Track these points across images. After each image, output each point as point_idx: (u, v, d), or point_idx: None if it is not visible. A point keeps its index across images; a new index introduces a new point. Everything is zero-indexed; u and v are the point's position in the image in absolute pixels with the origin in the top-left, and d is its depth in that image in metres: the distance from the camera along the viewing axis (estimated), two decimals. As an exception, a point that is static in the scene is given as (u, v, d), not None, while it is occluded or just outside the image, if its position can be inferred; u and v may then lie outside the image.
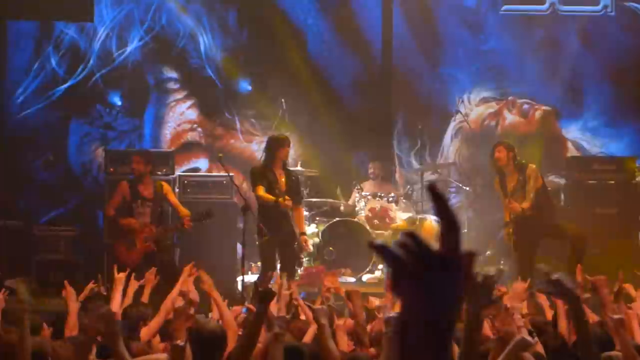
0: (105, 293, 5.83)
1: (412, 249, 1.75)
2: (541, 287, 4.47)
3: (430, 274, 1.76)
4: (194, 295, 6.95)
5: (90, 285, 7.70)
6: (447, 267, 1.77)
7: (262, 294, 5.36)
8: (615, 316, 5.85)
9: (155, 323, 6.68)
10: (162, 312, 6.87)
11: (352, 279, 12.18)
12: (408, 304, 1.77)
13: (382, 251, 1.77)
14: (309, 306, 6.33)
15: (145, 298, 7.88)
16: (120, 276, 7.48)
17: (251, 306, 7.60)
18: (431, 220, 11.59)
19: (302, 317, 8.09)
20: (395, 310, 6.89)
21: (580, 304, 4.58)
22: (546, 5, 14.60)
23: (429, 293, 1.76)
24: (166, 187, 11.40)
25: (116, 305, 7.00)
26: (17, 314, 5.65)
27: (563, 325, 6.83)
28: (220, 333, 5.59)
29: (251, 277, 12.41)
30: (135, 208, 11.15)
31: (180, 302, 6.21)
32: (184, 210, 11.18)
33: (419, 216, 12.21)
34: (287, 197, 10.70)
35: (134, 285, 7.75)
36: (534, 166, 11.20)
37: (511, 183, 11.19)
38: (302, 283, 11.79)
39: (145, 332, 6.55)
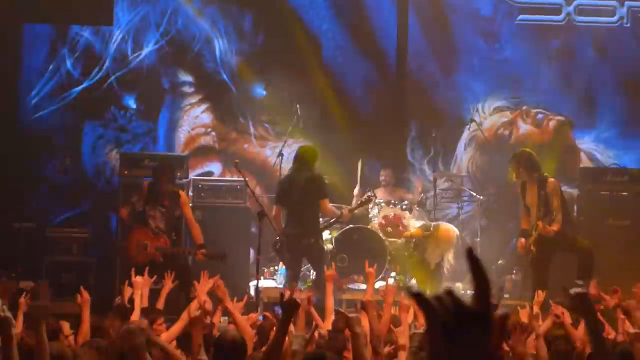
0: (128, 305, 5.83)
1: (447, 303, 1.86)
2: (561, 301, 4.46)
3: (461, 328, 1.86)
4: (209, 304, 6.98)
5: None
6: (478, 322, 1.86)
7: (287, 304, 5.37)
8: (632, 330, 5.86)
9: (175, 329, 6.69)
10: (182, 319, 6.88)
11: (364, 286, 12.16)
12: (436, 354, 1.87)
13: (418, 299, 1.87)
14: (341, 312, 6.34)
15: (160, 304, 7.89)
16: (139, 279, 7.49)
17: (268, 314, 7.63)
18: (446, 226, 11.57)
19: (313, 323, 8.12)
20: (416, 321, 6.91)
21: (598, 321, 4.58)
22: (562, 16, 14.61)
23: (457, 346, 1.85)
24: (184, 197, 11.23)
25: (137, 310, 7.01)
26: (36, 318, 5.66)
27: (580, 336, 6.83)
28: (241, 341, 5.63)
29: (264, 283, 12.46)
30: (148, 210, 11.08)
31: (196, 311, 6.23)
32: (197, 231, 11.03)
33: (432, 223, 12.20)
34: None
35: (148, 283, 7.75)
36: (553, 180, 11.13)
37: (531, 195, 11.14)
38: (314, 289, 11.81)
39: (164, 338, 6.56)
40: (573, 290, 4.34)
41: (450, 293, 1.87)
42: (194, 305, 7.02)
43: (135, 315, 6.91)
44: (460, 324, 1.85)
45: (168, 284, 8.01)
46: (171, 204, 11.04)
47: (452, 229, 11.36)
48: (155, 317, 7.39)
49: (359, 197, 12.77)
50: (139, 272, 7.87)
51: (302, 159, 11.15)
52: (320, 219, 11.56)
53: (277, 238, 11.31)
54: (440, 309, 1.86)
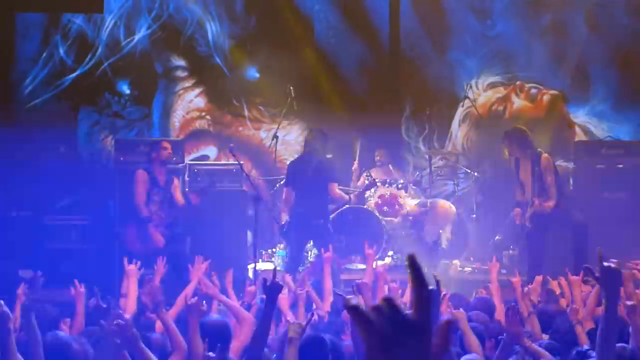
0: (104, 305, 5.87)
1: (385, 314, 1.85)
2: (589, 270, 4.40)
3: (400, 339, 1.85)
4: (207, 287, 7.04)
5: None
6: (417, 333, 1.86)
7: (269, 288, 5.45)
8: (629, 303, 5.89)
9: (172, 312, 6.74)
10: (178, 305, 6.93)
11: (363, 266, 12.21)
12: None
13: (355, 311, 1.86)
14: (339, 295, 6.40)
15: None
16: (132, 268, 7.53)
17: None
18: (443, 203, 11.60)
19: (314, 305, 8.18)
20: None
21: (619, 299, 4.54)
22: (553, -10, 14.61)
23: (396, 357, 1.85)
24: (176, 181, 11.36)
25: (132, 298, 7.05)
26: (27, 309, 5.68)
27: (581, 311, 6.86)
28: (224, 327, 5.76)
29: (262, 265, 12.50)
30: (152, 196, 11.10)
31: (191, 298, 6.29)
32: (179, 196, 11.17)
33: (429, 200, 12.22)
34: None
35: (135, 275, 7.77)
36: (546, 155, 11.15)
37: (524, 171, 11.17)
38: (312, 271, 11.86)
39: (159, 326, 6.61)
40: (607, 263, 4.27)
41: (389, 302, 1.85)
42: (188, 290, 7.07)
43: (131, 304, 6.95)
44: (399, 335, 1.84)
45: (161, 269, 8.04)
46: (167, 184, 11.17)
47: (450, 205, 11.38)
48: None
49: (356, 172, 12.89)
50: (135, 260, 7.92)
51: (311, 142, 11.23)
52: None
53: (284, 221, 11.38)
54: (378, 320, 1.84)
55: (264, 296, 6.17)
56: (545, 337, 6.90)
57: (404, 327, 1.85)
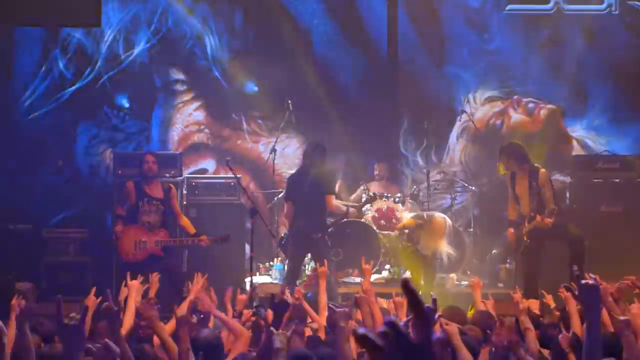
0: (116, 308, 5.89)
1: (391, 338, 1.92)
2: (569, 289, 4.46)
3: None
4: (204, 304, 7.07)
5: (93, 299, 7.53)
6: (422, 354, 1.95)
7: (278, 305, 5.47)
8: (622, 317, 5.92)
9: (169, 326, 6.76)
10: (174, 319, 6.95)
11: (359, 280, 12.24)
12: None
13: (365, 340, 1.93)
14: (330, 307, 6.40)
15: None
16: (135, 283, 7.53)
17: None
18: (438, 216, 11.62)
19: (309, 319, 8.20)
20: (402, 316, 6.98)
21: (599, 313, 4.57)
22: (551, 5, 14.66)
23: None
24: (173, 190, 11.47)
25: (131, 312, 7.06)
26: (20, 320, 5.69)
27: (577, 325, 6.88)
28: (215, 341, 5.79)
29: (259, 278, 12.54)
30: (141, 206, 11.18)
31: (184, 311, 6.33)
32: (185, 220, 11.26)
33: (425, 213, 12.24)
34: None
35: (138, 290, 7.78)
36: (544, 171, 11.19)
37: (521, 185, 11.21)
38: (309, 284, 11.89)
39: (155, 341, 6.63)
40: (585, 280, 4.32)
41: (393, 327, 1.92)
42: (182, 306, 7.10)
43: (129, 318, 6.97)
44: (406, 357, 1.92)
45: (155, 283, 8.05)
46: (165, 197, 11.23)
47: (444, 219, 11.40)
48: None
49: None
50: (135, 273, 7.95)
51: (311, 155, 11.28)
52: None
53: (283, 234, 11.41)
54: (386, 344, 1.91)
55: (259, 306, 6.22)
56: (546, 352, 6.91)
57: (408, 350, 1.93)
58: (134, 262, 10.79)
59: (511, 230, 11.29)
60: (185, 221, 11.32)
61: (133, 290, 7.41)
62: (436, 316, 4.95)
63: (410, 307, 1.96)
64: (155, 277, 8.09)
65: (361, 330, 1.96)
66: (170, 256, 11.18)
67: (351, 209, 11.82)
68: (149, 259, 10.95)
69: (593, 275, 4.45)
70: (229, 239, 11.04)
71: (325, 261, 9.34)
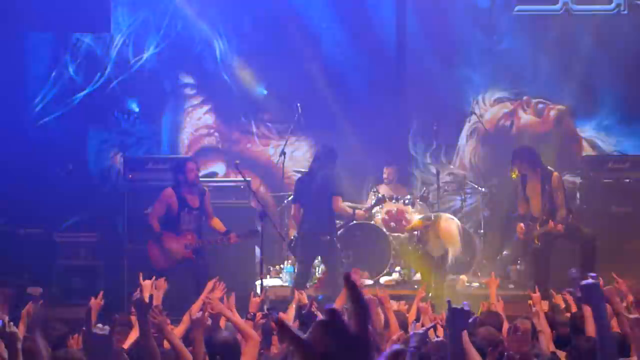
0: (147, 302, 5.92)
1: (329, 329, 1.94)
2: (572, 291, 4.49)
3: (341, 351, 1.94)
4: (214, 306, 7.09)
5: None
6: (359, 347, 1.96)
7: (306, 316, 5.48)
8: (632, 316, 5.92)
9: (180, 330, 6.80)
10: (185, 322, 6.99)
11: (370, 282, 12.27)
12: None
13: (285, 332, 1.95)
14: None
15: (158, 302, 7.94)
16: (147, 283, 7.55)
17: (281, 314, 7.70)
18: (446, 217, 11.62)
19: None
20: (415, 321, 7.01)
21: (605, 311, 4.59)
22: (559, 5, 14.65)
23: None
24: (208, 195, 11.44)
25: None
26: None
27: (591, 327, 6.88)
28: (233, 342, 5.80)
29: (270, 281, 12.56)
30: (183, 216, 11.16)
31: (197, 312, 6.35)
32: (216, 221, 11.26)
33: (433, 214, 12.25)
34: None
35: (163, 287, 7.81)
36: (557, 174, 11.22)
37: (532, 187, 11.22)
38: (319, 287, 11.92)
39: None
40: (584, 282, 4.34)
41: (334, 315, 1.94)
42: (195, 307, 7.13)
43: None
44: (341, 350, 1.93)
45: (161, 285, 8.04)
46: (201, 205, 11.25)
47: (453, 220, 11.38)
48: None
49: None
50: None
51: (320, 158, 11.32)
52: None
53: (292, 237, 11.44)
54: (321, 337, 1.93)
55: (270, 309, 6.24)
56: (562, 354, 6.92)
57: (346, 340, 1.94)
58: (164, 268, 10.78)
59: (521, 225, 11.29)
60: (216, 222, 11.33)
61: (146, 291, 7.44)
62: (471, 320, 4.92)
63: (349, 299, 2.00)
64: (161, 282, 8.09)
65: (282, 322, 1.98)
66: (198, 258, 11.20)
67: (357, 211, 11.81)
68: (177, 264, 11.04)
69: (592, 274, 4.47)
70: (257, 234, 11.10)
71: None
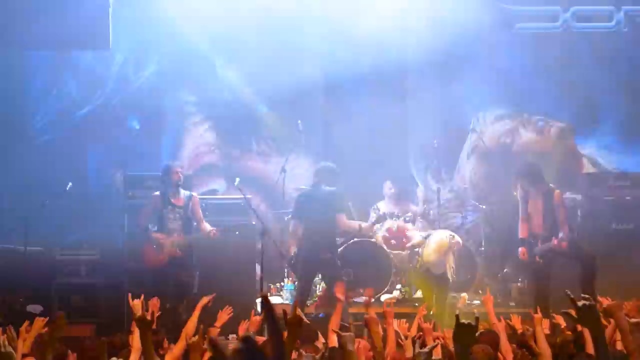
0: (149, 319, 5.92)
1: (244, 352, 1.97)
2: (567, 314, 4.46)
3: None
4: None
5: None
6: None
7: (290, 322, 5.44)
8: (634, 320, 5.89)
9: (177, 349, 6.77)
10: (182, 340, 6.95)
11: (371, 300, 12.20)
12: None
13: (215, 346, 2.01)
14: (336, 332, 6.38)
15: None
16: (137, 303, 7.53)
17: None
18: (439, 233, 11.58)
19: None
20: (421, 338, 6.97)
21: (603, 333, 4.57)
22: (559, 23, 14.67)
23: None
24: (196, 198, 11.70)
25: (137, 334, 7.05)
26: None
27: (590, 347, 6.85)
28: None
29: (270, 299, 12.50)
30: (167, 214, 11.52)
31: (194, 336, 6.33)
32: (206, 225, 11.48)
33: (429, 232, 12.22)
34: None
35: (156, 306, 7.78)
36: (558, 192, 11.21)
37: (534, 205, 11.20)
38: (319, 304, 11.89)
39: (169, 358, 6.65)
40: (581, 302, 4.33)
41: (248, 342, 1.96)
42: (190, 326, 7.09)
43: (137, 340, 6.96)
44: None
45: (153, 304, 7.99)
46: (185, 204, 11.55)
47: (446, 235, 11.29)
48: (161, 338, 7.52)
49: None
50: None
51: (321, 175, 11.30)
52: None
53: (292, 254, 11.43)
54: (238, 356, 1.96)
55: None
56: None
57: None
58: (157, 268, 11.36)
59: (523, 249, 11.27)
60: (206, 227, 11.59)
61: (137, 310, 7.41)
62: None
63: (266, 323, 2.02)
64: (154, 301, 8.05)
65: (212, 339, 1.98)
66: (182, 274, 11.31)
67: (364, 225, 11.77)
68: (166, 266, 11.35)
69: (569, 292, 4.47)
70: (233, 230, 11.53)
71: (343, 286, 9.29)
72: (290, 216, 12.02)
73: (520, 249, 11.33)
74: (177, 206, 11.54)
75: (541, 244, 11.05)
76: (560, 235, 10.87)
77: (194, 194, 11.84)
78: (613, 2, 14.70)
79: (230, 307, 8.12)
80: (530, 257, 11.19)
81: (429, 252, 11.07)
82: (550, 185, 11.30)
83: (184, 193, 11.62)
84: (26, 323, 6.85)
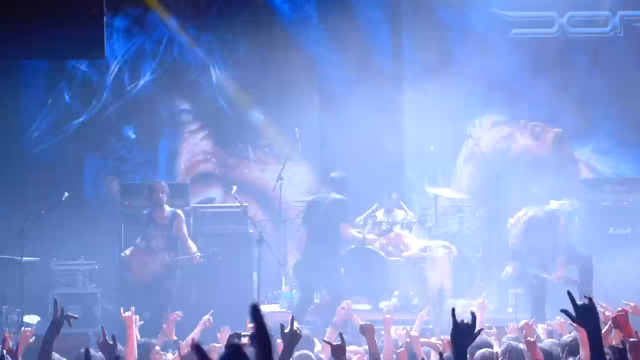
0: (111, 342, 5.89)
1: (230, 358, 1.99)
2: (567, 313, 4.44)
3: None
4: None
5: None
6: None
7: (288, 335, 5.41)
8: (632, 339, 5.88)
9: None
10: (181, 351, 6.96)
11: (368, 307, 12.20)
12: None
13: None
14: (328, 342, 6.36)
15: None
16: (129, 315, 7.54)
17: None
18: (438, 245, 11.57)
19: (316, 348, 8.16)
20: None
21: (600, 333, 4.56)
22: (555, 28, 14.66)
23: None
24: (180, 216, 11.69)
25: (132, 345, 7.05)
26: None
27: (586, 352, 6.83)
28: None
29: (267, 307, 12.50)
30: (150, 232, 11.68)
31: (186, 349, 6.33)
32: (192, 245, 11.49)
33: (428, 242, 12.20)
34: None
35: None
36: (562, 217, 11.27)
37: None
38: (318, 311, 11.86)
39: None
40: (581, 302, 4.32)
41: (236, 350, 1.97)
42: (183, 347, 7.08)
43: (131, 349, 6.96)
44: None
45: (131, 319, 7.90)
46: (169, 222, 11.63)
47: (444, 247, 11.30)
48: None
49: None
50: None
51: (331, 183, 11.36)
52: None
53: (297, 261, 11.44)
54: None
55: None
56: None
57: None
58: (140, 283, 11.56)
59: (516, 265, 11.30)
60: (192, 246, 11.69)
61: (129, 323, 7.45)
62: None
63: (256, 334, 2.00)
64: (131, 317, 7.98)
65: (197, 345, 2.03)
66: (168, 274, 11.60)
67: (368, 235, 11.78)
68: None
69: (588, 296, 4.44)
70: (218, 255, 11.57)
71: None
72: (297, 224, 12.09)
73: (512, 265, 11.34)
74: (160, 224, 11.65)
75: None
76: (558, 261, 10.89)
77: (179, 211, 11.87)
78: (609, 7, 14.69)
79: (227, 328, 8.16)
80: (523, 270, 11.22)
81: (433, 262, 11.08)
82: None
83: (168, 211, 11.71)
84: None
